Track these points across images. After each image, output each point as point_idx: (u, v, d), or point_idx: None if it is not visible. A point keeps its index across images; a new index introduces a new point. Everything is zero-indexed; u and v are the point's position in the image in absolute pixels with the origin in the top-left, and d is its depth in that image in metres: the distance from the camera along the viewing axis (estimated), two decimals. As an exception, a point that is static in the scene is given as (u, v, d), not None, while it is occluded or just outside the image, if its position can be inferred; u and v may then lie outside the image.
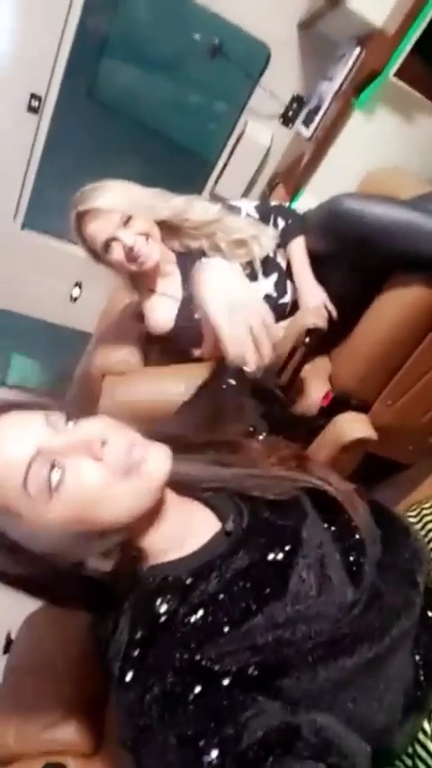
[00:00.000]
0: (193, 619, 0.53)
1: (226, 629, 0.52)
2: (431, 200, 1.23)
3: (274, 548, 0.59)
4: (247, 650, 0.51)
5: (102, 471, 0.52)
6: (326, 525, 0.65)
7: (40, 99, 2.11)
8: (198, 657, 0.50)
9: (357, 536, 0.65)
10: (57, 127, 2.30)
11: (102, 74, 2.31)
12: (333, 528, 0.65)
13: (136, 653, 0.52)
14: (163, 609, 0.54)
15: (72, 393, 2.37)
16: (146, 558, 0.60)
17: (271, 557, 0.59)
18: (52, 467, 0.51)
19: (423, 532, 0.81)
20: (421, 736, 0.65)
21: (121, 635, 0.55)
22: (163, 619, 0.53)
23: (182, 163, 2.47)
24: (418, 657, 0.65)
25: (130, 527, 0.56)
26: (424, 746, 0.65)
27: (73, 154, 2.43)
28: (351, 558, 0.63)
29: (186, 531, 0.61)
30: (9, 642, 1.87)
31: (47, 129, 2.22)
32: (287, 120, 1.94)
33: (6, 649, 1.82)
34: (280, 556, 0.59)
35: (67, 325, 2.69)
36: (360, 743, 0.50)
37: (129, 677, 0.51)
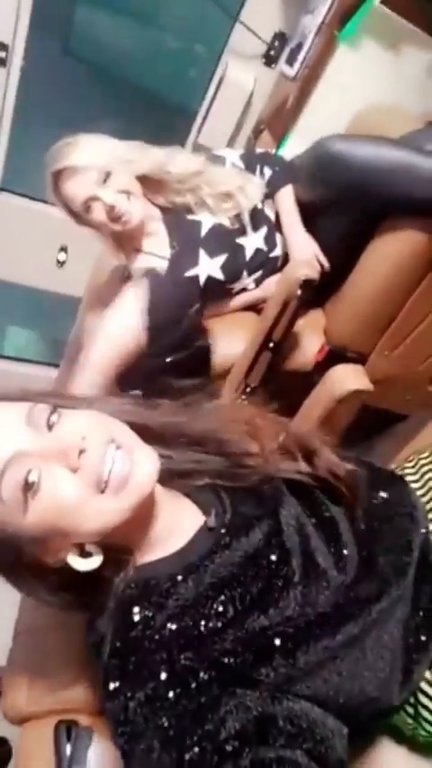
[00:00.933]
0: (170, 625, 0.54)
1: (204, 632, 0.53)
2: (423, 138, 1.18)
3: (254, 541, 0.60)
4: (225, 648, 0.53)
5: (77, 484, 0.51)
6: (307, 511, 0.66)
7: (7, 48, 1.99)
8: (176, 660, 0.51)
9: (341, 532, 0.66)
10: (29, 83, 2.18)
11: (76, 27, 2.19)
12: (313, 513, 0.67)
13: (116, 662, 0.53)
14: (140, 618, 0.55)
15: (66, 358, 2.36)
16: (131, 556, 0.59)
17: (252, 552, 0.59)
18: (28, 474, 0.50)
19: (420, 483, 0.82)
20: (423, 685, 0.67)
21: (103, 644, 0.56)
22: (140, 627, 0.54)
23: (163, 114, 2.36)
24: (421, 613, 0.66)
25: (111, 532, 0.55)
26: (426, 694, 0.67)
27: (48, 110, 2.31)
28: (333, 540, 0.64)
29: (172, 525, 0.61)
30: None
31: (17, 83, 2.10)
32: (270, 59, 1.83)
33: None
34: (261, 549, 0.60)
35: (57, 291, 2.64)
36: (336, 724, 0.51)
37: (112, 686, 0.52)
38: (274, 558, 0.59)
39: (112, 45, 2.27)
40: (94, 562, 0.56)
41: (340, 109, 1.58)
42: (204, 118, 1.96)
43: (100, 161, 1.18)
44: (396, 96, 1.59)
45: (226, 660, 0.52)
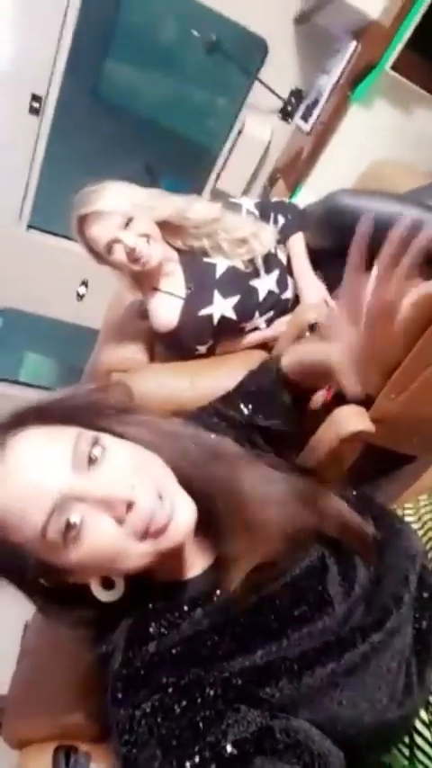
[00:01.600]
0: (182, 645, 0.55)
1: (214, 655, 0.54)
2: (426, 195, 1.24)
3: (270, 577, 0.60)
4: (233, 669, 0.54)
5: (121, 534, 0.52)
6: (327, 549, 0.67)
7: (40, 100, 2.13)
8: (184, 675, 0.52)
9: (355, 564, 0.67)
10: (60, 126, 2.31)
11: (106, 73, 2.32)
12: (333, 551, 0.67)
13: (126, 672, 0.54)
14: (155, 633, 0.56)
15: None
16: (150, 577, 0.60)
17: (270, 586, 0.60)
18: (70, 516, 0.50)
19: (419, 524, 0.83)
20: (419, 726, 0.67)
21: (115, 655, 0.56)
22: (154, 643, 0.55)
23: (184, 160, 2.49)
24: (418, 647, 0.67)
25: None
26: (421, 735, 0.68)
27: (76, 153, 2.45)
28: (349, 580, 0.65)
29: (195, 551, 0.63)
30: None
31: (49, 129, 2.24)
32: (286, 114, 1.94)
33: (24, 640, 1.87)
34: (278, 584, 0.60)
35: (76, 323, 2.72)
36: (333, 748, 0.52)
37: (120, 695, 0.53)
38: (290, 594, 0.60)
39: (139, 91, 2.41)
40: (116, 594, 0.57)
41: (351, 162, 1.67)
42: (223, 165, 2.06)
43: (123, 207, 1.26)
44: (404, 153, 1.67)
45: (233, 680, 0.53)
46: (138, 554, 0.53)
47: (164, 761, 0.47)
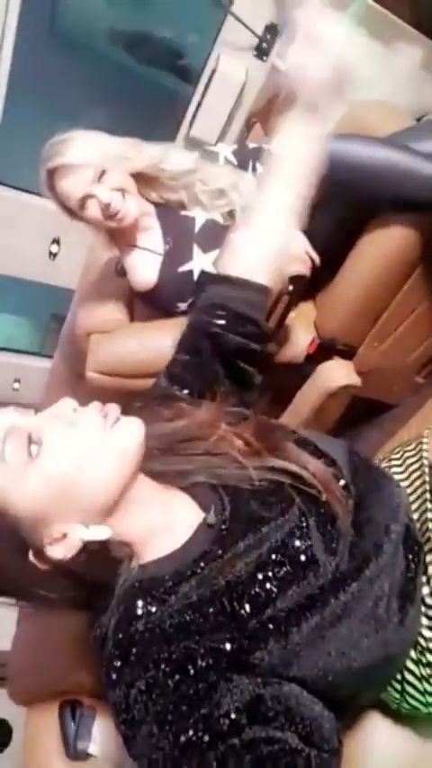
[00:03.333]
0: (171, 620, 0.56)
1: (203, 626, 0.56)
2: (412, 137, 1.20)
3: (255, 540, 0.62)
4: (223, 637, 0.55)
5: (77, 434, 0.56)
6: (306, 506, 0.68)
7: (-3, 39, 1.97)
8: (175, 648, 0.54)
9: (334, 517, 0.68)
10: (18, 69, 2.16)
11: (64, 8, 2.15)
12: (312, 508, 0.68)
13: (118, 653, 0.56)
14: (143, 612, 0.57)
15: (60, 350, 2.37)
16: (132, 555, 0.62)
17: (253, 553, 0.61)
18: (29, 440, 0.55)
19: (405, 474, 0.85)
20: (409, 664, 0.71)
21: (107, 636, 0.58)
22: (143, 621, 0.56)
23: (156, 102, 2.35)
24: (399, 592, 0.69)
25: (111, 511, 0.58)
26: (412, 672, 0.71)
27: (38, 100, 2.30)
28: (328, 534, 0.66)
29: (168, 520, 0.63)
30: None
31: (7, 75, 2.08)
32: (262, 52, 1.83)
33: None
34: (263, 549, 0.61)
35: (50, 284, 2.64)
36: (324, 711, 0.53)
37: (114, 676, 0.55)
38: (274, 558, 0.61)
39: (102, 28, 2.25)
40: (101, 532, 0.58)
41: (331, 103, 1.59)
42: (196, 110, 1.96)
43: (95, 159, 1.19)
44: (386, 91, 1.60)
45: (223, 647, 0.54)
46: (103, 453, 0.56)
47: (160, 736, 0.48)
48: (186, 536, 0.63)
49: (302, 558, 0.62)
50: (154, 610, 0.57)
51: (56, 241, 2.34)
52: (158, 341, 1.47)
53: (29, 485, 0.54)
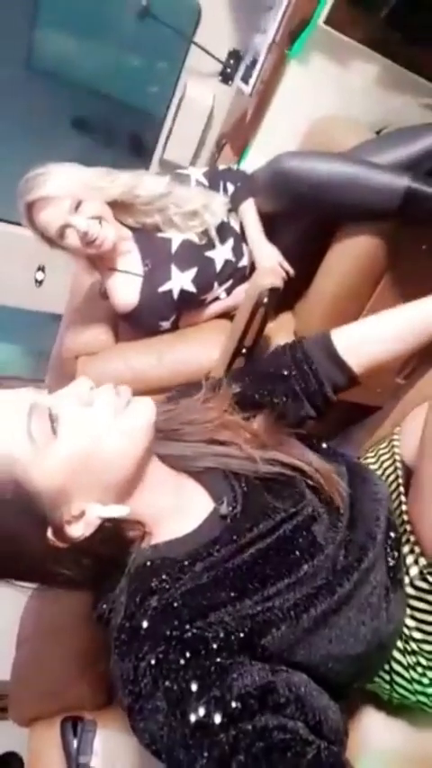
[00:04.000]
0: (184, 599, 0.57)
1: (215, 607, 0.56)
2: (371, 150, 1.26)
3: (266, 529, 0.64)
4: (234, 619, 0.56)
5: (94, 413, 0.58)
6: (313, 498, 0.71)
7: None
8: (188, 628, 0.54)
9: (337, 509, 0.72)
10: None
11: (37, 43, 2.23)
12: (318, 500, 0.72)
13: (129, 626, 0.55)
14: (157, 587, 0.58)
15: (51, 373, 2.40)
16: (144, 536, 0.63)
17: (264, 541, 0.63)
18: (49, 416, 0.55)
19: (380, 471, 0.88)
20: (396, 654, 0.74)
21: (118, 610, 0.58)
22: (156, 597, 0.57)
23: (129, 130, 2.42)
24: (389, 582, 0.72)
25: (127, 490, 0.61)
26: (399, 662, 0.74)
27: (16, 132, 2.36)
28: (333, 526, 0.70)
29: (180, 505, 0.66)
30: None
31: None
32: (226, 77, 1.90)
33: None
34: (273, 537, 0.64)
35: (37, 310, 2.68)
36: (330, 702, 0.54)
37: (124, 648, 0.54)
38: (285, 547, 0.63)
39: (74, 60, 2.32)
40: (118, 510, 0.60)
41: (295, 121, 1.66)
42: (169, 134, 2.02)
43: (71, 190, 1.24)
44: (346, 108, 1.67)
45: (235, 632, 0.55)
46: (118, 430, 0.58)
47: (169, 713, 0.48)
48: (197, 522, 0.64)
49: (312, 548, 0.64)
50: (167, 587, 0.58)
51: (41, 269, 2.38)
52: (143, 360, 1.52)
53: (52, 462, 0.55)
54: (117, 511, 0.59)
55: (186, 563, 0.60)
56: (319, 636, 0.60)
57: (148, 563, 0.60)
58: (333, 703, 0.54)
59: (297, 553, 0.63)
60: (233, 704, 0.47)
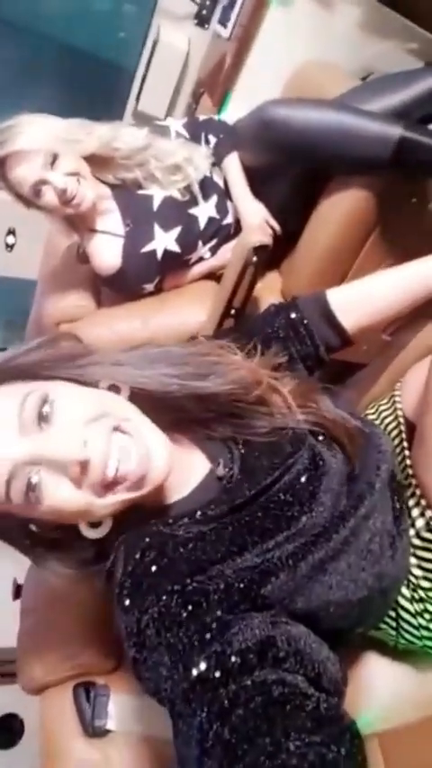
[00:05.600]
0: (181, 550, 0.57)
1: (213, 560, 0.57)
2: (359, 97, 1.20)
3: (264, 485, 0.64)
4: (233, 571, 0.56)
5: (82, 492, 0.53)
6: (319, 449, 0.71)
7: None
8: (188, 581, 0.54)
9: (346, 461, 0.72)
10: None
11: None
12: (325, 451, 0.71)
13: (130, 581, 0.56)
14: (153, 543, 0.58)
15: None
16: (142, 502, 0.62)
17: (262, 495, 0.63)
18: (29, 478, 0.52)
19: (382, 427, 0.89)
20: (402, 601, 0.75)
21: (117, 567, 0.59)
22: (154, 553, 0.57)
23: (99, 79, 2.28)
24: (391, 529, 0.73)
25: None
26: (406, 609, 0.75)
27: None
28: (335, 476, 0.69)
29: (180, 477, 0.64)
30: (17, 588, 1.97)
31: None
32: (202, 19, 1.79)
33: (16, 596, 1.92)
34: (272, 491, 0.63)
35: (8, 276, 2.57)
36: (330, 654, 0.54)
37: (127, 602, 0.55)
38: (282, 497, 0.63)
39: (34, 8, 2.16)
40: (103, 530, 0.60)
41: (277, 67, 1.58)
42: (142, 84, 1.91)
43: (46, 144, 1.16)
44: (330, 52, 1.59)
45: (234, 583, 0.55)
46: (104, 505, 0.55)
47: (171, 666, 0.49)
48: (194, 484, 0.64)
49: (312, 500, 0.64)
50: (164, 541, 0.58)
51: (11, 232, 2.27)
52: (128, 325, 1.47)
53: (36, 515, 0.55)
54: (105, 530, 0.60)
55: (182, 520, 0.60)
56: (318, 582, 0.61)
57: (149, 526, 0.61)
58: (333, 654, 0.54)
59: (297, 506, 0.63)
60: (233, 659, 0.47)
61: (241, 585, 0.55)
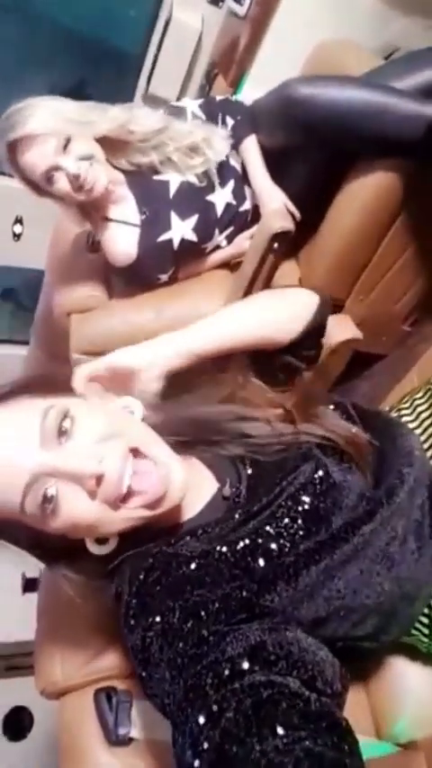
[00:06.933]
0: (184, 569, 0.58)
1: (217, 580, 0.57)
2: (385, 75, 1.15)
3: (268, 500, 0.64)
4: (233, 584, 0.57)
5: (97, 504, 0.55)
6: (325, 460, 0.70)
7: None
8: (189, 596, 0.56)
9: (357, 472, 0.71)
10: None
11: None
12: (332, 462, 0.70)
13: (135, 601, 0.58)
14: (157, 563, 0.60)
15: (35, 334, 2.29)
16: (150, 524, 0.62)
17: (266, 511, 0.63)
18: (45, 490, 0.53)
19: (416, 422, 0.85)
20: None
21: (124, 589, 0.61)
22: (157, 573, 0.59)
23: (108, 61, 2.21)
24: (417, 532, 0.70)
25: None
26: None
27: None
28: (345, 487, 0.68)
29: (188, 495, 0.63)
30: (26, 582, 1.96)
31: None
32: (216, -3, 1.73)
33: (25, 589, 1.91)
34: (274, 506, 0.63)
35: (16, 266, 2.53)
36: (328, 656, 0.53)
37: (132, 622, 0.57)
38: (285, 513, 0.63)
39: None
40: (109, 548, 0.62)
41: (295, 46, 1.51)
42: (153, 66, 1.84)
43: (58, 126, 1.11)
44: (350, 31, 1.53)
45: (234, 594, 0.56)
46: (118, 520, 0.57)
47: (171, 680, 0.50)
48: (202, 505, 0.65)
49: (313, 512, 0.64)
50: (167, 561, 0.60)
51: (19, 221, 2.22)
52: (142, 316, 1.43)
53: (49, 528, 0.57)
54: (111, 547, 0.62)
55: (186, 539, 0.62)
56: (325, 589, 0.60)
57: (151, 544, 0.62)
58: (331, 657, 0.53)
59: (298, 520, 0.63)
60: (224, 665, 0.48)
61: (241, 595, 0.56)
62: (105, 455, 0.54)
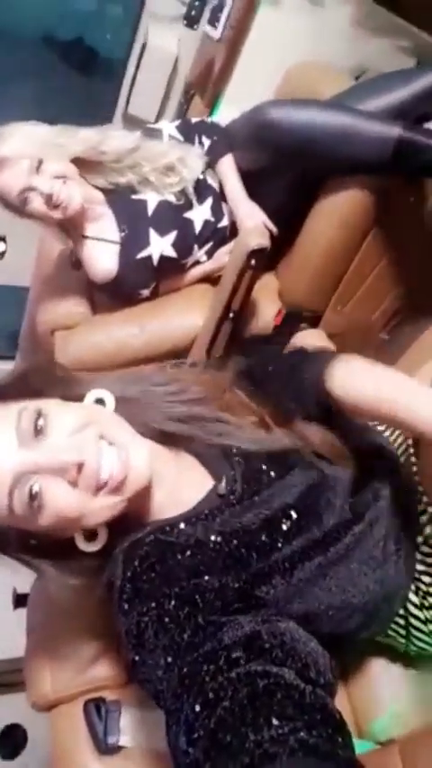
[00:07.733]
0: (179, 557, 0.59)
1: (212, 569, 0.58)
2: (353, 97, 1.20)
3: (263, 498, 0.65)
4: (230, 574, 0.58)
5: (79, 493, 0.56)
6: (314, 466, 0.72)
7: None
8: (185, 584, 0.56)
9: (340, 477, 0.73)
10: None
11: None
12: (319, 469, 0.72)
13: (130, 586, 0.58)
14: (151, 551, 0.60)
15: (21, 351, 2.30)
16: (139, 517, 0.64)
17: (261, 507, 0.64)
18: (30, 487, 0.54)
19: (388, 431, 0.88)
20: (411, 608, 0.75)
21: (116, 576, 0.60)
22: (153, 558, 0.59)
23: (87, 83, 2.25)
24: (397, 537, 0.73)
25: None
26: (416, 617, 0.75)
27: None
28: (332, 490, 0.71)
29: (179, 491, 0.65)
30: (17, 597, 1.95)
31: None
32: (192, 20, 1.77)
33: (17, 605, 1.90)
34: (270, 505, 0.65)
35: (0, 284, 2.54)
36: (318, 647, 0.54)
37: (126, 606, 0.58)
38: (281, 514, 0.64)
39: (19, 11, 2.12)
40: (99, 543, 0.62)
41: (269, 68, 1.57)
42: (131, 87, 1.89)
43: (31, 149, 1.14)
44: (321, 52, 1.58)
45: (230, 584, 0.57)
46: (101, 507, 0.57)
47: (166, 667, 0.51)
48: (196, 500, 0.65)
49: (308, 512, 0.66)
50: (162, 549, 0.60)
51: (2, 239, 2.24)
52: (126, 331, 1.46)
53: (38, 525, 0.57)
54: (100, 543, 0.62)
55: (180, 529, 0.62)
56: (317, 586, 0.62)
57: (145, 534, 0.62)
58: (321, 648, 0.55)
59: (293, 520, 0.64)
60: (219, 653, 0.48)
61: (236, 585, 0.57)
62: (82, 445, 0.56)
